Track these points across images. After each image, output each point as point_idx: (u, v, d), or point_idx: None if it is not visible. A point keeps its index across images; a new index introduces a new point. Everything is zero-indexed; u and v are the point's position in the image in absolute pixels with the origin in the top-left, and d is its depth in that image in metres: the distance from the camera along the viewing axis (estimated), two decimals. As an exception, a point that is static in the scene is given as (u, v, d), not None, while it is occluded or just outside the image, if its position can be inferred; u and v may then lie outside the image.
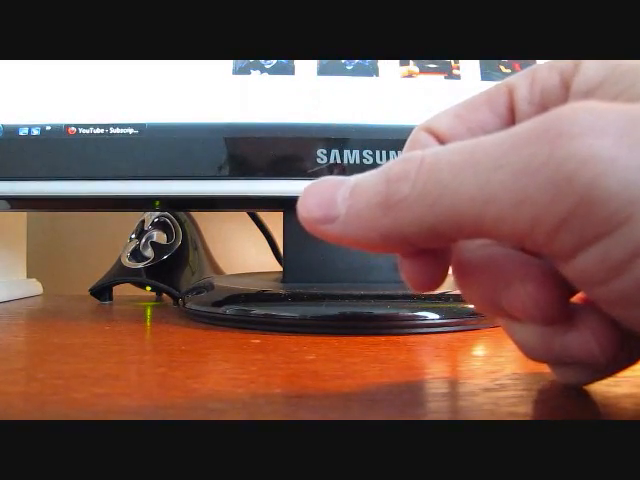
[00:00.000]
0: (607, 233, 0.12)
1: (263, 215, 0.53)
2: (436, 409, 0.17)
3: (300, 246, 0.37)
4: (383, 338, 0.28)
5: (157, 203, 0.39)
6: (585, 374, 0.18)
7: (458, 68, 0.37)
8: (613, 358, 0.15)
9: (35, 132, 0.36)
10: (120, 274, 0.44)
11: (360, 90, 0.36)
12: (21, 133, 0.36)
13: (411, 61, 0.37)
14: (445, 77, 0.37)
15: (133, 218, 0.49)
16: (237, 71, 0.36)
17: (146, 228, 0.46)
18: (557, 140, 0.12)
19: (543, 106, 0.17)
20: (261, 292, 0.33)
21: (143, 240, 0.45)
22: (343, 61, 0.36)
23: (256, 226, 0.53)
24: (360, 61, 0.36)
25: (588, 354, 0.15)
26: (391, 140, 0.35)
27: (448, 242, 0.15)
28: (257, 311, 0.30)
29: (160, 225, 0.46)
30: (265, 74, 0.36)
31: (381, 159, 0.35)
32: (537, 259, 0.16)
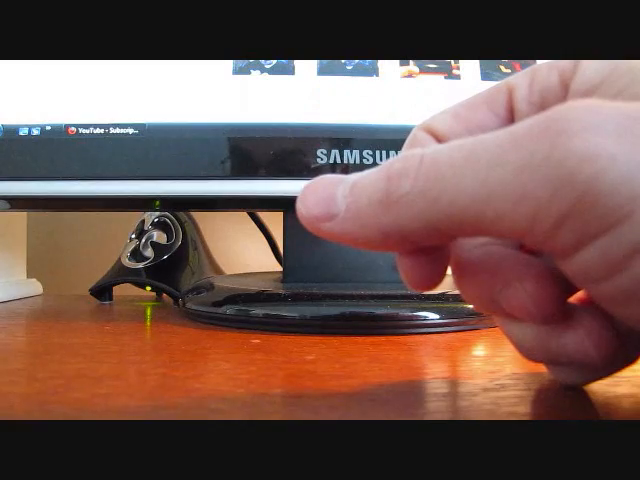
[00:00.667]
0: (608, 229, 0.12)
1: (263, 215, 0.53)
2: (436, 409, 0.17)
3: (300, 246, 0.37)
4: (383, 338, 0.28)
5: (157, 203, 0.38)
6: (581, 375, 0.18)
7: (458, 68, 0.37)
8: (609, 359, 0.15)
9: (35, 132, 0.36)
10: (120, 274, 0.44)
11: (360, 90, 0.36)
12: (21, 133, 0.36)
13: (411, 61, 0.37)
14: (445, 77, 0.37)
15: (133, 218, 0.49)
16: (237, 71, 0.36)
17: (146, 228, 0.46)
18: (557, 137, 0.12)
19: (542, 106, 0.17)
20: (261, 292, 0.33)
21: (143, 240, 0.45)
22: (343, 61, 0.36)
23: (256, 226, 0.53)
24: (360, 61, 0.36)
25: (584, 355, 0.15)
26: (391, 140, 0.35)
27: (448, 240, 0.15)
28: (257, 311, 0.30)
29: (160, 225, 0.46)
30: (265, 74, 0.36)
31: (381, 159, 0.35)
32: (536, 258, 0.16)
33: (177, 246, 0.45)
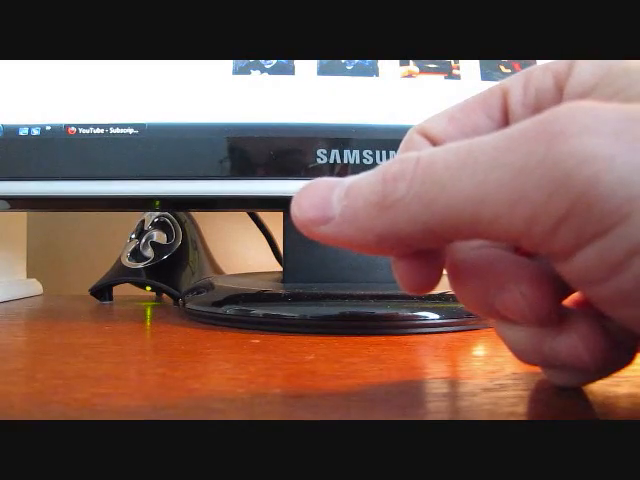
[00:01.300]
0: (605, 231, 0.12)
1: (263, 215, 0.53)
2: (436, 409, 0.17)
3: (300, 246, 0.37)
4: (383, 338, 0.28)
5: (157, 203, 0.38)
6: (574, 377, 0.18)
7: (458, 68, 0.37)
8: (601, 363, 0.15)
9: (35, 132, 0.36)
10: (120, 274, 0.44)
11: (360, 90, 0.36)
12: (21, 133, 0.36)
13: (411, 61, 0.37)
14: (445, 77, 0.37)
15: (133, 218, 0.49)
16: (237, 71, 0.36)
17: (146, 228, 0.46)
18: (554, 139, 0.12)
19: (537, 108, 0.17)
20: (261, 292, 0.33)
21: (143, 240, 0.45)
22: (343, 61, 0.36)
23: (256, 226, 0.53)
24: (360, 61, 0.36)
25: (576, 359, 0.15)
26: (391, 140, 0.35)
27: (444, 242, 0.15)
28: (257, 311, 0.30)
29: (160, 225, 0.46)
30: (265, 74, 0.36)
31: (381, 159, 0.35)
32: (531, 261, 0.16)
33: (177, 246, 0.45)
